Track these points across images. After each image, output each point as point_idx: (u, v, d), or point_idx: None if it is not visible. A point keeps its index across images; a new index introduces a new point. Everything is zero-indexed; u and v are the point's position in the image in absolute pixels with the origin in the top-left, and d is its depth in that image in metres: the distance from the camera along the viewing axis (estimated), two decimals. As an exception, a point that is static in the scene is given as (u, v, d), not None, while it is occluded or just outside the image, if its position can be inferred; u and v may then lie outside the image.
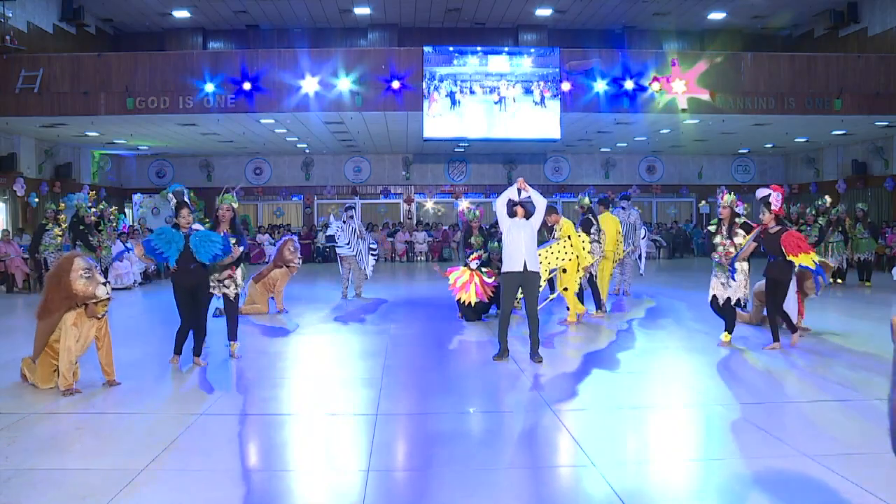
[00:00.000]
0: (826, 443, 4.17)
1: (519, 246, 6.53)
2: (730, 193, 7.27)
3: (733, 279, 7.01)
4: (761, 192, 7.16)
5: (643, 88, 15.50)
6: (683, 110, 15.56)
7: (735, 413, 4.90)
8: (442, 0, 18.79)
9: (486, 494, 3.50)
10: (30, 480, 3.61)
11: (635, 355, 6.94)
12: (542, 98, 15.67)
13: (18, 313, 10.91)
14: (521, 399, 5.37)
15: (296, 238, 10.72)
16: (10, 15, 15.47)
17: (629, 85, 15.40)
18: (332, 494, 3.58)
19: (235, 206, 6.74)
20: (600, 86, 15.40)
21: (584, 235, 8.79)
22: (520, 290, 7.03)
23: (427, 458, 4.12)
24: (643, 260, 12.22)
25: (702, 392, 5.56)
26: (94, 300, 5.34)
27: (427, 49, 15.57)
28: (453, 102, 15.55)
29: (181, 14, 19.37)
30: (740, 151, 23.72)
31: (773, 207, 6.96)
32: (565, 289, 8.65)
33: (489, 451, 4.19)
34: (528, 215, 6.63)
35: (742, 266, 7.04)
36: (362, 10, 19.53)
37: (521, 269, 6.49)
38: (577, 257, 8.46)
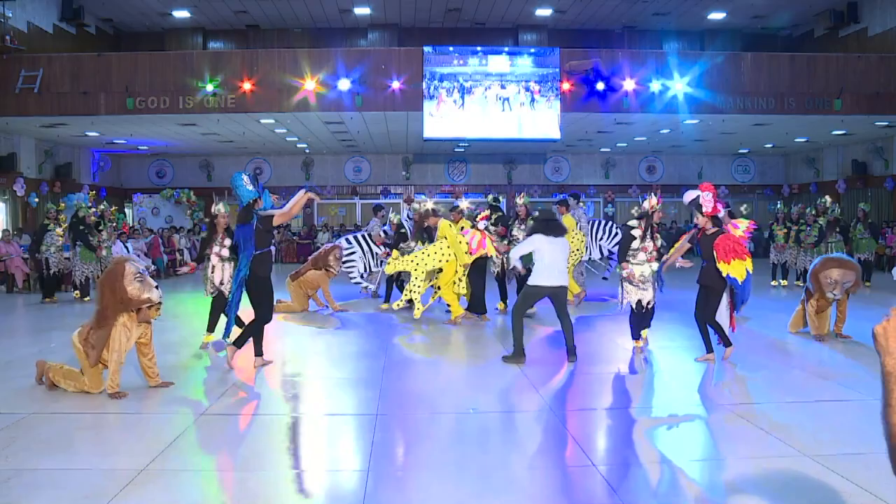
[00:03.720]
0: (826, 443, 4.17)
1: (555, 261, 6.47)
2: (654, 194, 7.04)
3: (660, 290, 6.97)
4: (689, 196, 6.77)
5: (643, 88, 15.50)
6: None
7: (735, 413, 4.90)
8: (442, 0, 18.80)
9: (486, 494, 3.50)
10: (30, 480, 3.61)
11: (634, 355, 6.93)
12: (542, 98, 15.67)
13: (18, 313, 10.90)
14: (521, 399, 5.37)
15: (342, 244, 10.84)
16: (10, 15, 15.47)
17: (629, 85, 15.39)
18: (332, 494, 3.58)
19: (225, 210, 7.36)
20: (600, 86, 15.38)
21: (460, 237, 8.80)
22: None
23: (427, 458, 4.12)
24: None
25: (702, 392, 5.56)
26: (148, 304, 5.32)
27: (427, 49, 15.57)
28: (462, 102, 15.55)
29: (181, 14, 19.37)
30: (740, 151, 23.72)
31: (704, 210, 6.55)
32: (438, 287, 8.93)
33: (489, 451, 4.19)
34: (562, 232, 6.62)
35: (652, 267, 6.89)
36: (362, 10, 19.53)
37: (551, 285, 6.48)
38: (456, 257, 8.60)
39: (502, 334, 8.10)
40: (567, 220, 10.31)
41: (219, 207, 7.43)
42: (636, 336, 7.08)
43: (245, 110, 15.30)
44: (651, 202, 6.92)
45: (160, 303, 5.43)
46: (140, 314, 5.34)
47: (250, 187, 6.17)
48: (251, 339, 6.34)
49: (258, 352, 6.39)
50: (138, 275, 5.27)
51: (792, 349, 7.23)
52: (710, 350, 6.57)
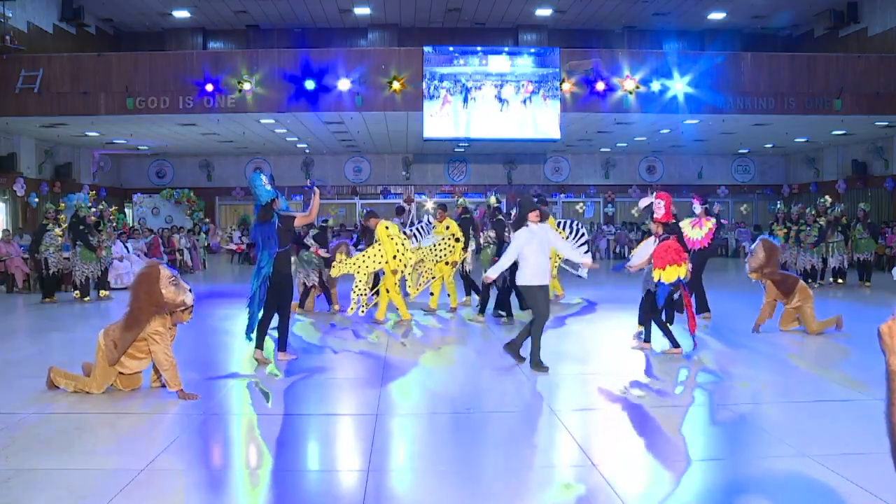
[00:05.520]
0: (826, 443, 4.17)
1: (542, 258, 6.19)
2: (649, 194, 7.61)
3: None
4: (644, 202, 6.98)
5: (643, 88, 15.50)
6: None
7: (735, 413, 4.90)
8: (442, 0, 18.80)
9: (486, 494, 3.50)
10: (30, 480, 3.61)
11: (633, 355, 6.93)
12: (542, 98, 15.67)
13: (18, 313, 10.90)
14: (522, 399, 5.37)
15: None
16: (10, 15, 15.47)
17: (629, 85, 15.39)
18: (332, 494, 3.58)
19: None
20: (600, 86, 15.39)
21: (397, 238, 8.79)
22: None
23: (427, 458, 4.12)
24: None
25: (701, 392, 5.56)
26: (182, 307, 5.34)
27: (427, 49, 15.57)
28: (466, 103, 15.56)
29: (181, 14, 19.38)
30: (740, 151, 23.73)
31: (655, 216, 6.75)
32: (387, 290, 8.96)
33: (489, 451, 4.19)
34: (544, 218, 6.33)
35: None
36: (362, 10, 19.54)
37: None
38: (397, 259, 8.66)
39: (502, 334, 8.11)
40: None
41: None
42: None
43: (245, 110, 15.31)
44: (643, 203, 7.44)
45: (192, 305, 5.45)
46: (173, 317, 5.36)
47: (268, 187, 6.31)
48: (260, 331, 6.49)
49: (259, 345, 6.48)
50: (173, 278, 5.28)
51: (791, 349, 7.22)
52: (676, 345, 6.78)
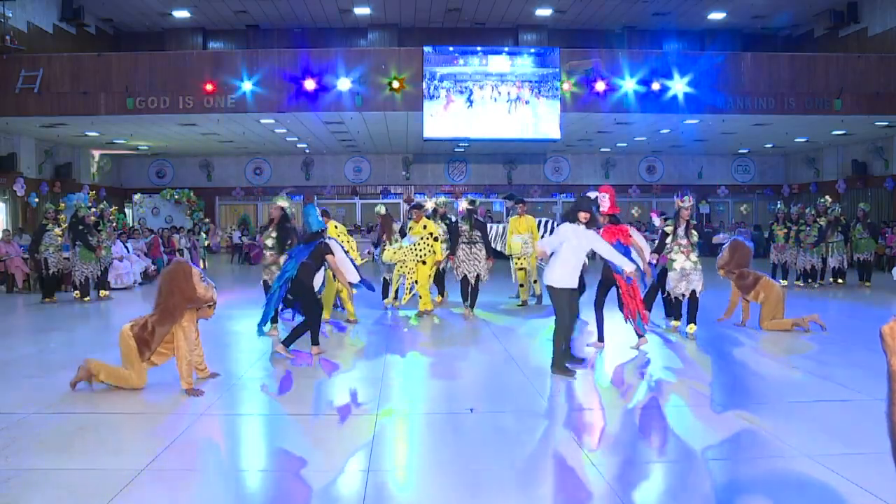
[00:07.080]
0: (826, 443, 4.17)
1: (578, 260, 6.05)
2: (687, 196, 8.00)
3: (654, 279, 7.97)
4: (590, 196, 7.03)
5: (643, 88, 15.50)
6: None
7: (735, 413, 4.89)
8: (442, 0, 18.81)
9: (486, 494, 3.50)
10: (30, 480, 3.61)
11: (633, 355, 6.93)
12: (542, 98, 15.67)
13: (18, 313, 10.90)
14: (521, 399, 5.37)
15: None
16: (10, 15, 15.48)
17: (629, 85, 15.40)
18: (332, 494, 3.58)
19: (286, 205, 7.99)
20: (600, 86, 15.39)
21: (343, 237, 8.98)
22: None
23: (427, 458, 4.13)
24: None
25: (701, 392, 5.56)
26: (209, 303, 5.55)
27: (427, 49, 15.58)
28: (471, 103, 15.56)
29: (181, 14, 19.39)
30: (740, 151, 23.73)
31: (602, 209, 6.87)
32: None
33: (489, 451, 4.19)
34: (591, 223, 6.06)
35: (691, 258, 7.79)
36: (362, 10, 19.55)
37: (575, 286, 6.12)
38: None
39: (502, 333, 8.11)
40: (528, 219, 10.38)
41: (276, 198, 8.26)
42: (673, 315, 7.97)
43: (245, 110, 15.31)
44: (677, 203, 7.85)
45: (216, 302, 5.68)
46: (199, 312, 5.54)
47: (321, 218, 7.25)
48: (298, 334, 6.80)
49: (315, 342, 6.90)
50: (201, 275, 5.50)
51: (790, 349, 7.22)
52: (601, 339, 7.15)
